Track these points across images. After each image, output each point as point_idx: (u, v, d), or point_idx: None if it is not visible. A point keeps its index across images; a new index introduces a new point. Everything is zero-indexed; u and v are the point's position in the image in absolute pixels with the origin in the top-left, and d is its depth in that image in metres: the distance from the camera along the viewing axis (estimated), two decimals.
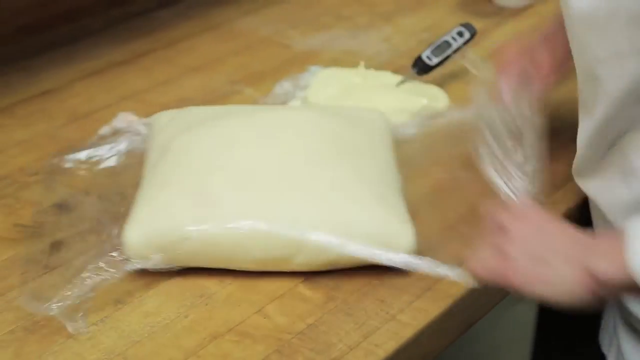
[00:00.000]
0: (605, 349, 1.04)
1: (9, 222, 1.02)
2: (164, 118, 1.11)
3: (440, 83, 1.28)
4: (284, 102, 1.24)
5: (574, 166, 0.98)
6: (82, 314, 0.87)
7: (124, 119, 1.17)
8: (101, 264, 0.92)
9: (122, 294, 0.91)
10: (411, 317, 0.87)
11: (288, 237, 0.90)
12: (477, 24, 1.44)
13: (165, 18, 1.50)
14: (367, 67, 1.29)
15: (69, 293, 0.89)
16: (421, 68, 1.26)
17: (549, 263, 0.81)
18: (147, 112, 1.21)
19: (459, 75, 1.31)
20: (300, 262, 0.91)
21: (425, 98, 1.22)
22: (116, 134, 1.15)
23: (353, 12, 1.54)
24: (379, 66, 1.32)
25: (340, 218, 0.92)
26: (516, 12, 1.52)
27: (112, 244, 0.95)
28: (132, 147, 1.12)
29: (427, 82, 1.27)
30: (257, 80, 1.31)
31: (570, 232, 0.83)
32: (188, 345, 0.85)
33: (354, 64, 1.31)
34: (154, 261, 0.91)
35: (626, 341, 0.98)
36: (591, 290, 0.79)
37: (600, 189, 0.94)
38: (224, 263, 0.92)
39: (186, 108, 1.12)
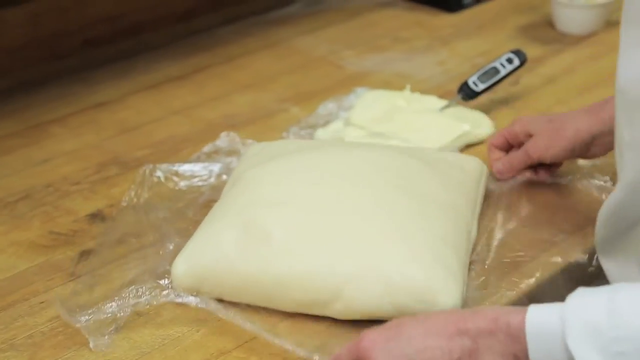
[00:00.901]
0: None
1: (45, 229, 1.06)
2: (255, 149, 1.11)
3: (487, 109, 1.27)
4: (326, 122, 1.24)
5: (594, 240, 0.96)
6: (110, 330, 0.89)
7: (227, 139, 1.19)
8: (145, 289, 0.94)
9: (141, 306, 0.93)
10: None
11: (327, 281, 0.89)
12: (536, 51, 1.44)
13: (226, 35, 1.53)
14: (414, 90, 1.29)
15: (103, 308, 0.91)
16: (467, 93, 1.26)
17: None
18: (191, 126, 1.24)
19: (508, 101, 1.30)
20: (338, 309, 0.90)
21: (467, 124, 1.21)
22: (217, 153, 1.18)
23: (412, 34, 1.53)
24: (428, 90, 1.32)
25: (384, 269, 0.89)
26: (579, 39, 1.49)
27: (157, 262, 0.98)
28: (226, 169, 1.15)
29: (473, 108, 1.26)
30: (305, 99, 1.33)
31: (445, 332, 0.75)
32: (195, 359, 0.87)
33: (402, 87, 1.31)
34: (197, 300, 0.93)
35: None
36: None
37: (615, 270, 0.90)
38: (263, 302, 0.92)
39: (280, 140, 1.13)
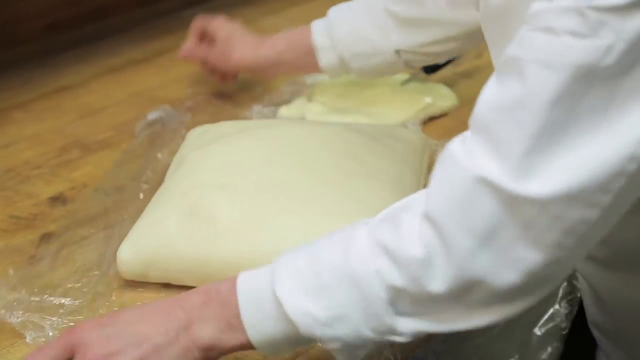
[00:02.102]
0: None
1: (5, 213, 1.05)
2: (198, 130, 1.10)
3: (450, 83, 1.27)
4: (289, 101, 1.24)
5: None
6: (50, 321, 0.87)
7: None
8: (95, 282, 0.92)
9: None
10: None
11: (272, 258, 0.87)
12: None
13: (189, 17, 1.51)
14: None
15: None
16: (429, 67, 1.25)
17: (153, 353, 0.74)
18: (154, 108, 1.24)
19: (471, 74, 1.30)
20: None
21: (430, 96, 1.21)
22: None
23: None
24: None
25: None
26: None
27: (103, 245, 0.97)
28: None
29: (435, 81, 1.26)
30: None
31: (158, 312, 0.76)
32: None
33: None
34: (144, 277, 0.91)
35: None
36: (202, 357, 0.75)
37: None
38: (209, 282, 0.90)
39: (220, 122, 1.12)
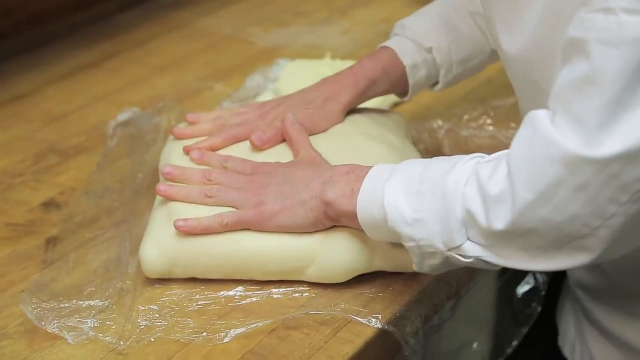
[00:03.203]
0: (567, 354, 1.11)
1: (1, 222, 1.03)
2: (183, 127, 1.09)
3: None
4: (256, 95, 1.27)
5: None
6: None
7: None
8: (117, 281, 0.93)
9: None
10: None
11: (299, 250, 0.90)
12: None
13: (127, 21, 1.53)
14: (334, 58, 1.33)
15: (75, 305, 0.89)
16: None
17: (294, 194, 0.90)
18: (120, 111, 1.23)
19: None
20: (311, 275, 0.91)
21: None
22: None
23: (310, 8, 1.58)
24: (344, 58, 1.36)
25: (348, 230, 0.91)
26: None
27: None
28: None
29: None
30: (226, 76, 1.35)
31: (316, 164, 0.94)
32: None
33: (319, 57, 1.35)
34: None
35: (595, 344, 1.04)
36: (322, 213, 0.88)
37: None
38: (237, 275, 0.92)
39: None
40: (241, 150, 1.00)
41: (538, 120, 0.75)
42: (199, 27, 1.52)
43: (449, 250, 0.82)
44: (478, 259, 0.81)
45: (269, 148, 1.00)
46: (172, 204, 0.94)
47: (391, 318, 0.88)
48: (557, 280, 1.15)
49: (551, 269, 0.79)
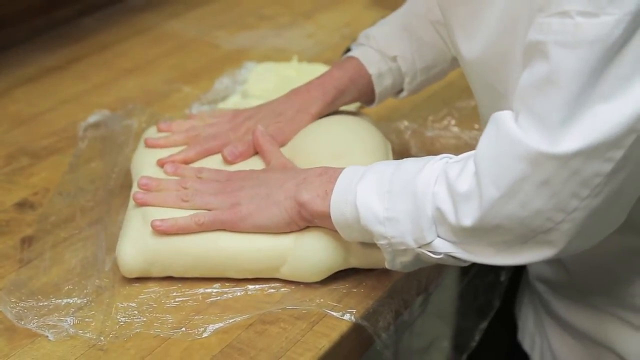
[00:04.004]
0: (527, 347, 1.14)
1: None
2: (152, 131, 1.11)
3: None
4: (224, 97, 1.29)
5: None
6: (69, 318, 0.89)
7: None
8: (94, 279, 0.94)
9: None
10: None
11: (274, 250, 0.92)
12: None
13: (90, 25, 1.53)
14: (300, 60, 1.36)
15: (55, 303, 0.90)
16: None
17: (268, 196, 0.93)
18: (88, 112, 1.24)
19: None
20: (285, 273, 0.93)
21: None
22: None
23: (274, 12, 1.60)
24: (309, 60, 1.39)
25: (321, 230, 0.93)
26: None
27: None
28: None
29: None
30: (193, 78, 1.36)
31: (289, 169, 0.97)
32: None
33: (285, 59, 1.37)
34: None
35: (555, 337, 1.08)
36: (297, 213, 0.91)
37: None
38: (213, 274, 0.93)
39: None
40: (213, 163, 1.03)
41: (502, 120, 0.79)
42: (164, 30, 1.53)
43: (419, 247, 0.84)
44: (447, 255, 0.84)
45: (241, 161, 1.03)
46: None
47: (364, 313, 0.90)
48: (515, 274, 1.18)
49: (517, 262, 0.82)
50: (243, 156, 1.03)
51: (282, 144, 1.05)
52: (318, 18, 1.57)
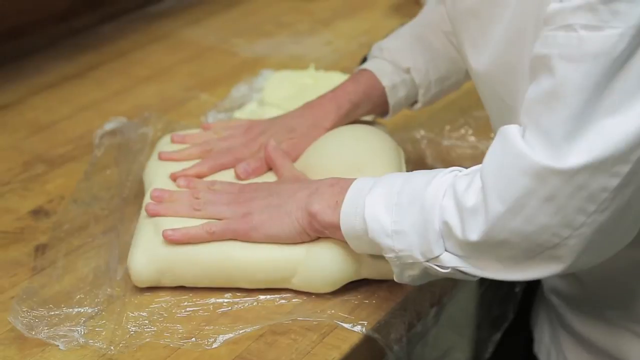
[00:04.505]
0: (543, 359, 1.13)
1: None
2: (166, 140, 1.11)
3: None
4: (241, 105, 1.29)
5: None
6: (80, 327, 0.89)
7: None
8: (106, 287, 0.94)
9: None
10: None
11: (286, 261, 0.92)
12: None
13: (109, 33, 1.54)
14: (317, 69, 1.35)
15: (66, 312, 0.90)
16: None
17: (280, 206, 0.92)
18: (105, 120, 1.25)
19: None
20: (296, 284, 0.93)
21: None
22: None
23: (293, 19, 1.60)
24: (327, 68, 1.38)
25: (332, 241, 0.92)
26: None
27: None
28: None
29: None
30: (210, 86, 1.36)
31: (301, 180, 0.97)
32: None
33: (302, 67, 1.37)
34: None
35: (570, 350, 1.07)
36: (308, 223, 0.90)
37: None
38: (225, 284, 0.93)
39: (186, 131, 1.13)
40: (226, 178, 1.02)
41: (509, 134, 0.78)
42: (182, 38, 1.53)
43: (427, 261, 0.84)
44: (455, 269, 0.83)
45: (254, 178, 1.03)
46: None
47: (376, 324, 0.90)
48: (531, 286, 1.17)
49: (525, 278, 0.81)
50: (256, 173, 1.02)
51: (296, 160, 1.05)
52: (337, 26, 1.57)
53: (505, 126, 0.79)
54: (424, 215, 0.83)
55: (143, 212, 0.98)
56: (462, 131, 1.22)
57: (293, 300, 0.93)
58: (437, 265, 0.83)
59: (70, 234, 1.03)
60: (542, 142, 0.75)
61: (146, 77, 1.40)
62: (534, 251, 0.78)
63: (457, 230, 0.80)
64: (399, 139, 1.20)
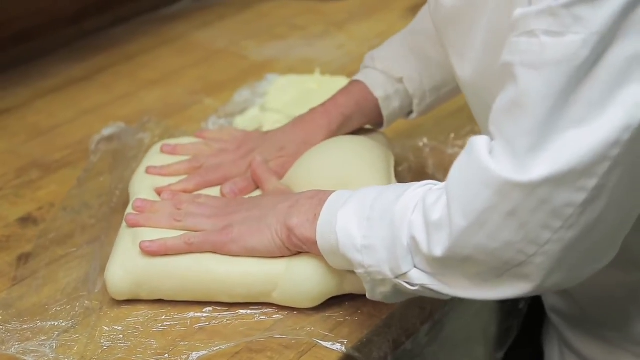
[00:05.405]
0: None
1: None
2: (158, 147, 1.09)
3: None
4: (243, 110, 1.26)
5: None
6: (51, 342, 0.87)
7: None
8: (84, 300, 0.92)
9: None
10: None
11: (266, 276, 0.89)
12: None
13: (120, 35, 1.52)
14: (323, 73, 1.32)
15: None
16: None
17: (260, 218, 0.89)
18: (105, 125, 1.23)
19: None
20: (276, 298, 0.90)
21: None
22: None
23: (307, 21, 1.56)
24: (334, 72, 1.35)
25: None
26: None
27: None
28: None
29: None
30: (216, 90, 1.34)
31: (281, 194, 0.94)
32: None
33: (309, 71, 1.34)
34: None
35: None
36: (287, 238, 0.87)
37: None
38: (204, 298, 0.90)
39: (180, 138, 1.12)
40: (213, 193, 1.00)
41: (476, 145, 0.74)
42: (192, 40, 1.51)
43: (396, 278, 0.80)
44: (424, 287, 0.79)
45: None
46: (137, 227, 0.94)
47: (357, 343, 0.86)
48: (537, 301, 1.12)
49: (495, 297, 0.77)
50: (243, 193, 1.00)
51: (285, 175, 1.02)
52: (351, 28, 1.54)
53: (474, 137, 0.75)
54: (392, 230, 0.79)
55: (123, 224, 0.95)
56: (468, 138, 1.18)
57: (274, 315, 0.89)
58: (406, 282, 0.80)
59: (55, 242, 1.01)
60: (506, 154, 0.71)
61: (152, 80, 1.38)
62: (500, 269, 0.74)
63: (424, 245, 0.77)
64: (401, 147, 1.16)
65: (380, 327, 0.89)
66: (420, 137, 1.18)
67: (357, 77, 1.07)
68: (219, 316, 0.89)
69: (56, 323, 0.88)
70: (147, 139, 1.18)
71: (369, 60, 1.08)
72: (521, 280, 0.74)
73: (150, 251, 0.89)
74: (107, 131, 1.21)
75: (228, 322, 0.89)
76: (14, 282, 0.95)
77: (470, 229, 0.73)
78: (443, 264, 0.77)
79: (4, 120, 1.27)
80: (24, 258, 0.99)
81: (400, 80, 1.05)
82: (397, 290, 0.81)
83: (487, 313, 1.13)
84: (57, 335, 0.87)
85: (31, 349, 0.86)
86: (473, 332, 1.14)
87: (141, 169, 1.05)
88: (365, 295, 0.90)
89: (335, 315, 0.89)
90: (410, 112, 1.09)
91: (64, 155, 1.18)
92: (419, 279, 0.79)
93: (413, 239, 0.78)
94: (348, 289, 0.90)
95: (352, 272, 0.88)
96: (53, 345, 0.86)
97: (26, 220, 1.05)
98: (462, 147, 1.16)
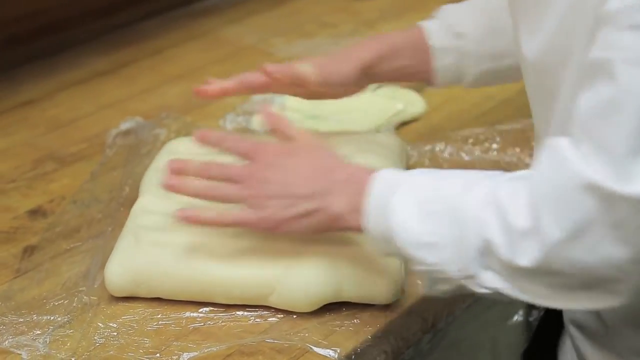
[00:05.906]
0: None
1: None
2: (172, 145, 1.08)
3: (419, 88, 1.28)
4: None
5: None
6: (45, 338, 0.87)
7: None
8: (82, 295, 0.92)
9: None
10: None
11: (264, 278, 0.88)
12: None
13: (150, 28, 1.52)
14: None
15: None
16: None
17: (295, 205, 0.84)
18: (124, 119, 1.22)
19: None
20: (274, 301, 0.89)
21: (401, 103, 1.23)
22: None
23: (337, 19, 1.55)
24: None
25: (313, 261, 0.89)
26: None
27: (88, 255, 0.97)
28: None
29: (405, 87, 1.28)
30: None
31: (316, 168, 0.86)
32: None
33: None
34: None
35: None
36: (327, 226, 0.84)
37: None
38: (202, 298, 0.90)
39: (178, 139, 1.11)
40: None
41: (562, 150, 0.70)
42: (220, 36, 1.50)
43: (463, 277, 0.76)
44: (496, 290, 0.75)
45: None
46: (140, 225, 0.94)
47: (350, 351, 0.84)
48: (551, 316, 1.09)
49: (573, 307, 0.74)
50: None
51: (321, 81, 1.00)
52: (381, 27, 1.51)
53: (556, 139, 0.71)
54: (460, 228, 0.74)
55: (127, 221, 0.95)
56: (487, 144, 1.15)
57: (269, 319, 0.88)
58: (474, 284, 0.75)
59: (61, 236, 1.01)
60: (602, 160, 0.66)
61: (176, 75, 1.37)
62: (591, 284, 0.70)
63: (502, 250, 0.72)
64: (418, 152, 1.14)
65: (377, 336, 0.87)
66: (438, 142, 1.16)
67: (419, 23, 1.03)
68: (215, 317, 0.89)
69: (52, 318, 0.89)
70: (163, 135, 1.18)
71: (437, 12, 1.04)
72: (609, 295, 0.71)
73: (185, 218, 0.87)
74: (125, 125, 1.21)
75: (223, 323, 0.88)
76: (17, 274, 0.95)
77: (566, 241, 0.69)
78: (526, 274, 0.72)
79: (25, 112, 1.28)
80: (29, 250, 0.99)
81: (461, 36, 1.00)
82: (462, 288, 0.77)
83: (495, 323, 1.11)
84: (52, 330, 0.87)
85: (24, 343, 0.86)
86: (480, 340, 1.12)
87: (154, 166, 1.04)
88: (362, 304, 0.89)
89: (331, 322, 0.88)
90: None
91: (80, 148, 1.18)
92: (492, 282, 0.75)
93: (486, 241, 0.73)
94: (347, 296, 0.88)
95: (352, 280, 0.86)
96: (47, 340, 0.86)
97: (35, 213, 1.06)
98: (482, 151, 1.14)
